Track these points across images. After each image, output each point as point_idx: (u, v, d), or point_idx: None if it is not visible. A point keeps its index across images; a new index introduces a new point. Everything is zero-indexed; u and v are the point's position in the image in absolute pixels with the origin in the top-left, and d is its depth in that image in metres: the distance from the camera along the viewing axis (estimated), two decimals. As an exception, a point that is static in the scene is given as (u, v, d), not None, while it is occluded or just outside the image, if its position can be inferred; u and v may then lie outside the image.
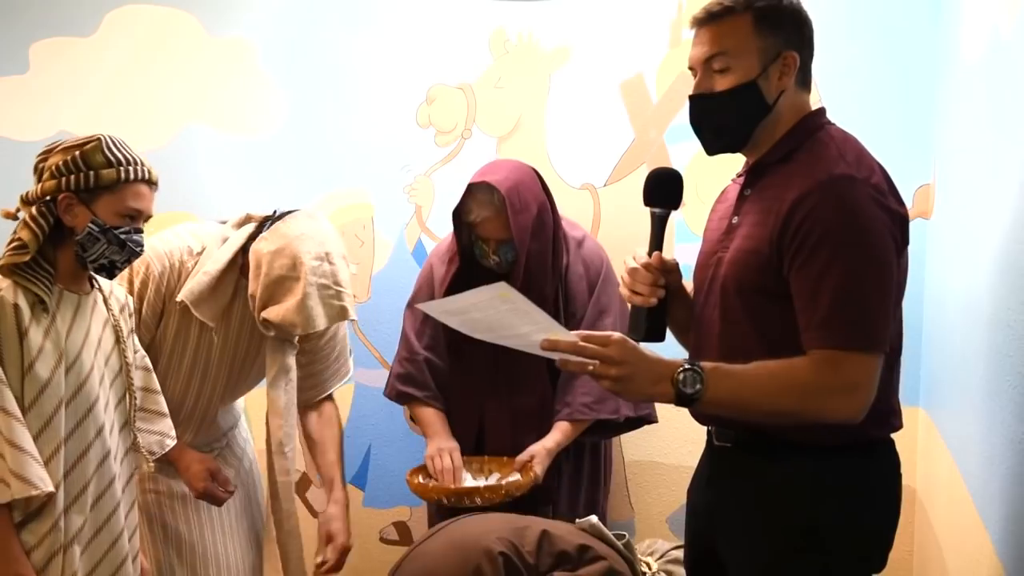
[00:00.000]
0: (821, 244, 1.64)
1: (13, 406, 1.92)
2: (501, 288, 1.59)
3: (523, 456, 2.59)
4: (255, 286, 2.43)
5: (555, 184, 3.19)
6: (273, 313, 2.41)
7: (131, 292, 2.39)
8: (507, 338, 1.71)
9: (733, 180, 1.94)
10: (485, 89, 3.20)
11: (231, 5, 3.25)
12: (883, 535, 1.84)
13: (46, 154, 2.07)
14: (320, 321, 2.42)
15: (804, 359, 1.65)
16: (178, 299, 2.43)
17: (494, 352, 2.52)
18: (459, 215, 2.65)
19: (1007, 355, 2.04)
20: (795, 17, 1.78)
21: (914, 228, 3.01)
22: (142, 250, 2.10)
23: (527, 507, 2.46)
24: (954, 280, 2.64)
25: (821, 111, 1.83)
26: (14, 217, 2.08)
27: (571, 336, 1.63)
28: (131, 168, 2.04)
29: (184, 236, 2.53)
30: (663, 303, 1.86)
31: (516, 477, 2.56)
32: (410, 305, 2.84)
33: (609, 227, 3.16)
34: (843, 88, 3.03)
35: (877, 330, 1.65)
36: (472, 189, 2.61)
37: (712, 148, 1.84)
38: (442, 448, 2.65)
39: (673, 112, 3.11)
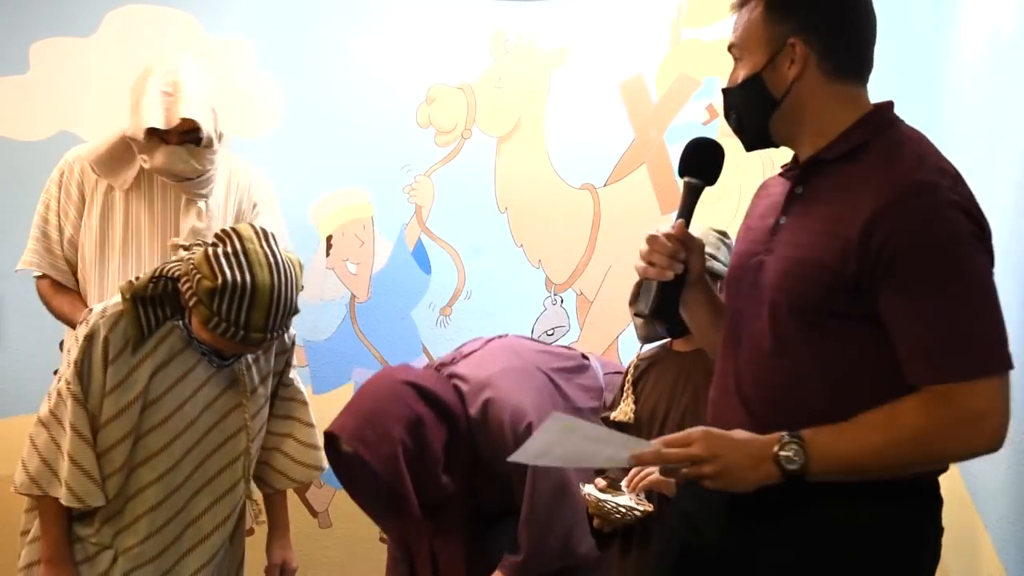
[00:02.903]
0: (913, 265, 1.45)
1: (84, 427, 2.03)
2: (562, 420, 1.62)
3: None
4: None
5: (555, 184, 3.20)
6: (128, 130, 2.54)
7: (53, 188, 2.62)
8: (600, 461, 1.73)
9: (780, 173, 1.73)
10: (485, 89, 3.20)
11: (230, 5, 3.25)
12: None
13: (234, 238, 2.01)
14: (153, 117, 2.49)
15: (911, 400, 1.47)
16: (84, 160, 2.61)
17: (426, 545, 2.59)
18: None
19: (1007, 355, 2.03)
20: (812, 0, 1.59)
21: (914, 228, 3.05)
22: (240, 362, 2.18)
23: None
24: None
25: (889, 105, 1.62)
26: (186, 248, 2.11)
27: (653, 446, 1.54)
28: (232, 329, 1.96)
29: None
30: (678, 282, 1.69)
31: None
32: None
33: (609, 227, 3.15)
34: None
35: (991, 349, 1.46)
36: (328, 441, 2.52)
37: (744, 143, 1.69)
38: None
39: (673, 112, 3.10)
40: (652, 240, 1.68)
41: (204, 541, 2.18)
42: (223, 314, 1.94)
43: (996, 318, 1.47)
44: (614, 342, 3.20)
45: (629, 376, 2.46)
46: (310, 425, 2.36)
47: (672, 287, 1.69)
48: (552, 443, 1.60)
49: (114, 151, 2.62)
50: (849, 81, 1.60)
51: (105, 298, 2.45)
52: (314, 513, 3.30)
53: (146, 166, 2.57)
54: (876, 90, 2.94)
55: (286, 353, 2.30)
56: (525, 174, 3.19)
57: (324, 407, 3.27)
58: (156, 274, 2.03)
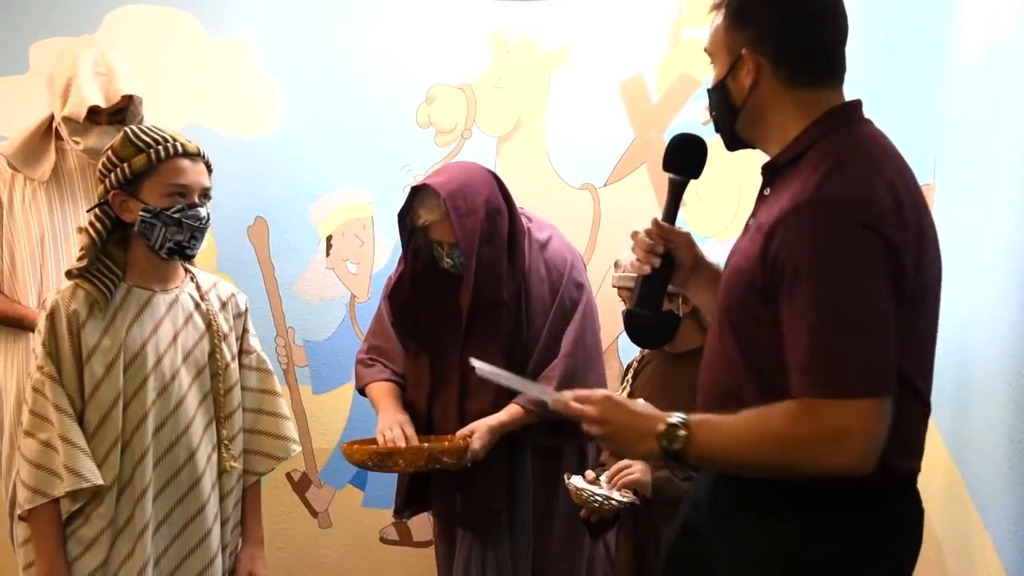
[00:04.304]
0: (797, 276, 1.46)
1: (66, 404, 2.03)
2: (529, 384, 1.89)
3: (463, 430, 2.52)
4: (57, 105, 2.60)
5: (555, 184, 3.20)
6: (67, 108, 2.57)
7: None
8: (536, 393, 1.89)
9: None
10: (485, 89, 3.20)
11: (231, 5, 3.25)
12: None
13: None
14: (94, 96, 2.54)
15: (784, 407, 1.48)
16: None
17: (456, 354, 2.54)
18: (404, 218, 2.61)
19: (1007, 355, 2.04)
20: (769, 8, 1.59)
21: (914, 228, 3.05)
22: (203, 224, 2.12)
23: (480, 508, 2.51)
24: (953, 280, 2.63)
25: (844, 107, 1.62)
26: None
27: (567, 396, 1.65)
28: (160, 147, 2.07)
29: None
30: (660, 274, 1.74)
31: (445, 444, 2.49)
32: (387, 297, 2.76)
33: (609, 227, 3.16)
34: (843, 88, 3.03)
35: (863, 370, 1.44)
36: (415, 192, 2.57)
37: (724, 144, 1.72)
38: (392, 421, 2.58)
39: (673, 112, 3.10)
40: (633, 236, 1.76)
41: (207, 500, 2.16)
42: (149, 140, 2.06)
43: (876, 340, 1.45)
44: (614, 342, 3.20)
45: (629, 375, 2.52)
46: (277, 395, 2.31)
47: (652, 281, 1.74)
48: (510, 380, 1.81)
49: (30, 142, 2.66)
50: (808, 87, 1.61)
51: (44, 295, 2.49)
52: (314, 513, 3.30)
53: (78, 148, 2.62)
54: (876, 90, 2.95)
55: (241, 317, 2.28)
56: (525, 174, 3.19)
57: (324, 407, 3.28)
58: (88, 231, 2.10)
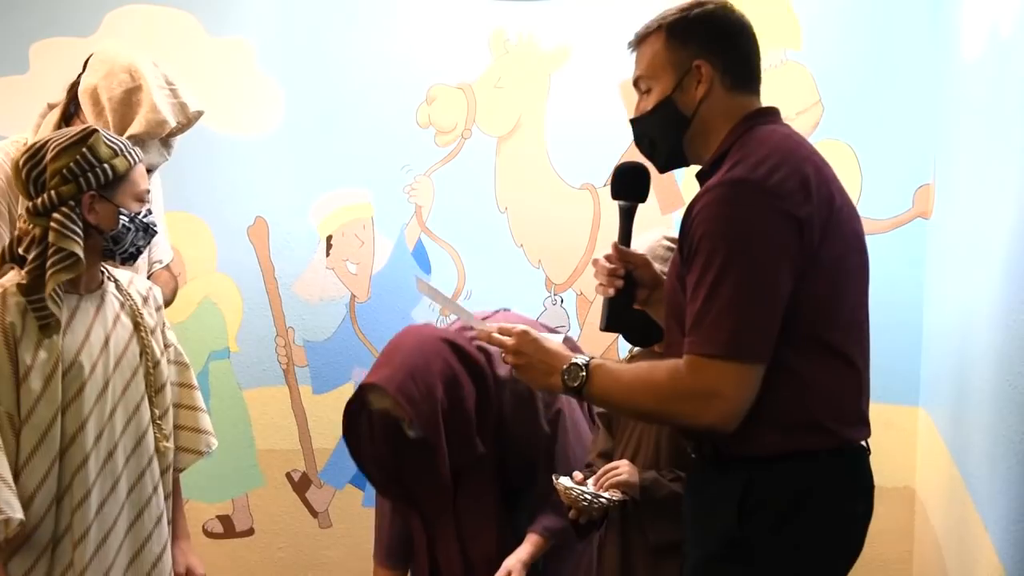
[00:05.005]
0: (699, 248, 1.61)
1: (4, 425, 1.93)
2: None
3: (501, 573, 2.44)
4: (103, 119, 2.43)
5: (555, 184, 3.20)
6: (138, 126, 2.40)
7: None
8: (470, 320, 2.06)
9: None
10: (485, 89, 3.20)
11: (231, 5, 3.24)
12: (821, 556, 1.69)
13: (37, 160, 2.00)
14: (170, 118, 2.45)
15: (669, 363, 1.65)
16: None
17: (449, 516, 2.51)
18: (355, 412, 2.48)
19: (1007, 355, 2.04)
20: (706, 23, 1.75)
21: (914, 228, 3.06)
22: (157, 229, 2.12)
23: None
24: (954, 280, 2.63)
25: (758, 112, 1.76)
26: (25, 232, 2.02)
27: (491, 328, 1.84)
28: (131, 152, 2.06)
29: (8, 140, 2.60)
30: (623, 295, 1.88)
31: None
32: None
33: (609, 227, 3.16)
34: (843, 88, 3.03)
35: (735, 336, 1.58)
36: (365, 390, 2.41)
37: (658, 165, 1.85)
38: None
39: (673, 112, 3.11)
40: (595, 263, 1.91)
41: (149, 502, 2.13)
42: (121, 145, 2.03)
43: (754, 309, 1.59)
44: (614, 342, 3.20)
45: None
46: (194, 387, 2.27)
47: (617, 302, 1.89)
48: (439, 296, 2.02)
49: None
50: (743, 93, 1.75)
51: None
52: (314, 513, 3.30)
53: None
54: (876, 90, 2.95)
55: (161, 310, 2.24)
56: (525, 174, 3.20)
57: (324, 407, 3.28)
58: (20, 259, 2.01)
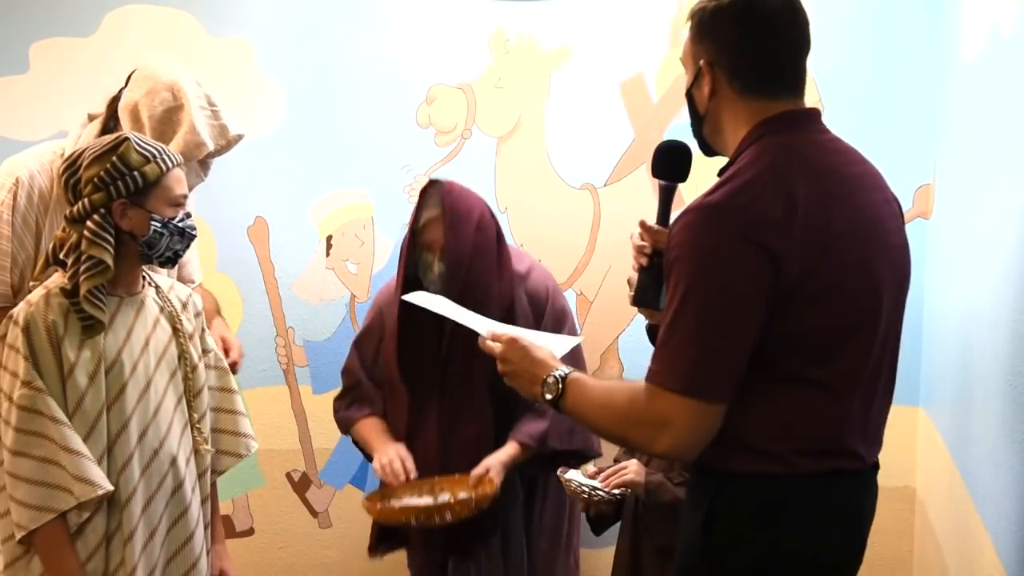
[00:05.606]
0: (671, 271, 1.60)
1: (59, 414, 1.98)
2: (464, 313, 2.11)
3: (478, 470, 2.49)
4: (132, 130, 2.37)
5: (555, 184, 3.20)
6: (175, 147, 2.36)
7: (5, 212, 2.38)
8: (475, 325, 2.04)
9: None
10: (485, 89, 3.20)
11: (231, 5, 3.24)
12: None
13: (74, 168, 2.05)
14: (208, 141, 2.43)
15: (632, 387, 1.64)
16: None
17: (440, 377, 2.56)
18: (411, 233, 2.63)
19: (1007, 355, 2.04)
20: (726, 21, 1.66)
21: (914, 228, 3.05)
22: (196, 233, 2.14)
23: (474, 536, 2.48)
24: (954, 280, 2.64)
25: (778, 117, 1.67)
26: (64, 239, 2.06)
27: (486, 335, 1.86)
28: (164, 158, 2.07)
29: (44, 146, 2.55)
30: (650, 272, 1.87)
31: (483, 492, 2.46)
32: (356, 343, 2.82)
33: (609, 227, 3.16)
34: (843, 88, 3.03)
35: (688, 370, 1.55)
36: (425, 189, 2.65)
37: (699, 148, 1.84)
38: (392, 455, 2.56)
39: (673, 112, 3.10)
40: (631, 237, 1.92)
41: (189, 504, 2.15)
42: (154, 151, 2.05)
43: (716, 344, 1.55)
44: (614, 342, 3.20)
45: None
46: (235, 392, 2.30)
47: (645, 278, 1.88)
48: (441, 303, 2.05)
49: None
50: (760, 97, 1.68)
51: None
52: (314, 513, 3.30)
53: None
54: (876, 90, 2.96)
55: (200, 316, 2.27)
56: (525, 174, 3.20)
57: (324, 407, 3.28)
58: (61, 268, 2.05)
